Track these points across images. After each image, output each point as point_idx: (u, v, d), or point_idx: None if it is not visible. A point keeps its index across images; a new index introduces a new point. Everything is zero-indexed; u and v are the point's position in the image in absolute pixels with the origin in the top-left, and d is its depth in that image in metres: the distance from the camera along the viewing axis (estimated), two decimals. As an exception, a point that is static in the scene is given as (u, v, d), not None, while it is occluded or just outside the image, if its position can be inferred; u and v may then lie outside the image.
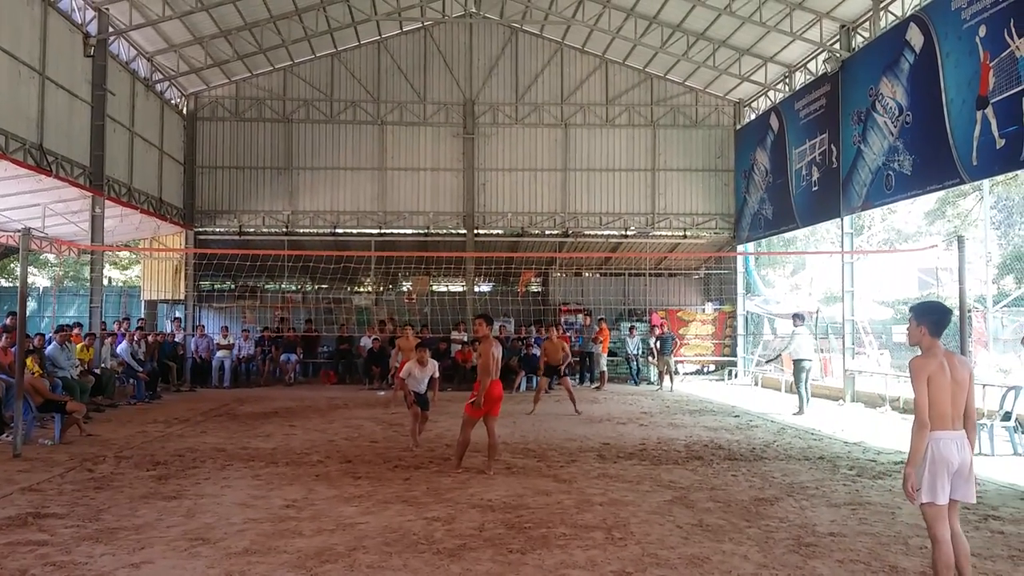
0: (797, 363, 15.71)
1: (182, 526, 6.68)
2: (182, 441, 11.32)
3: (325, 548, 6.08)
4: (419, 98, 23.86)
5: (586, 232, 24.31)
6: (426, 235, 23.97)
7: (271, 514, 7.09)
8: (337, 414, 14.67)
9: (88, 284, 19.08)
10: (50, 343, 13.76)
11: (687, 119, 24.44)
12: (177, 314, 23.10)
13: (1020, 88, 11.97)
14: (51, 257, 28.57)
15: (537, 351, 20.13)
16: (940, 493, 4.71)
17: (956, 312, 11.88)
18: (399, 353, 16.26)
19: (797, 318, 16.41)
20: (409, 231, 23.99)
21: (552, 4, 21.45)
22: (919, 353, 4.92)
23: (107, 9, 17.14)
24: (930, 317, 4.87)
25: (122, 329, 18.67)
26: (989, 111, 12.70)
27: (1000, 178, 19.91)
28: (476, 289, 24.54)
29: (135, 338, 17.51)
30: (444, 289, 26.26)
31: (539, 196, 24.15)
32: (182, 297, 23.35)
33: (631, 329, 22.12)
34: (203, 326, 22.10)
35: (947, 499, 4.73)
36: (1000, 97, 12.43)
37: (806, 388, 15.51)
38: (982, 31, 12.84)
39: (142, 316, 22.99)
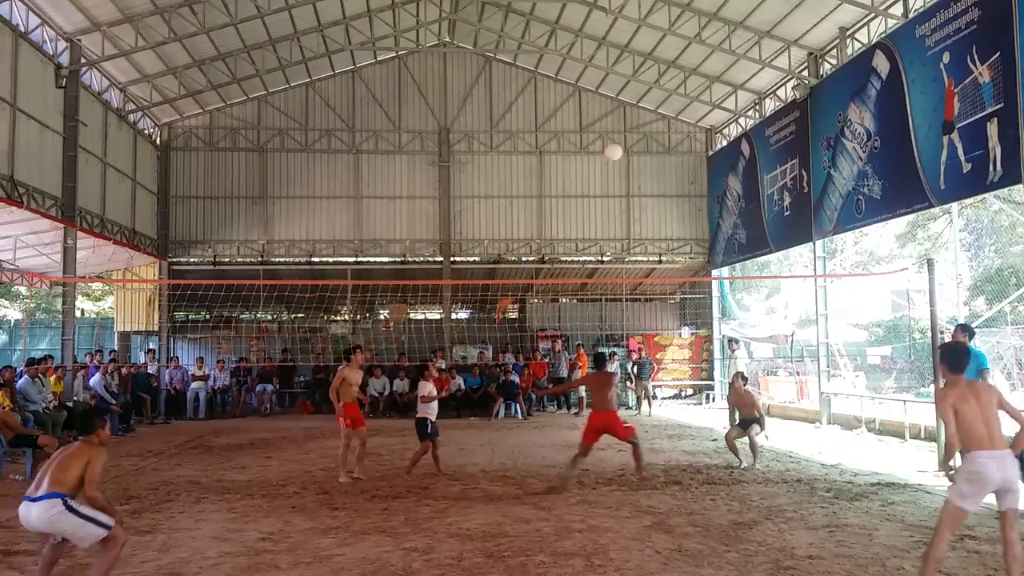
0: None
1: (156, 561, 6.58)
2: (156, 474, 11.17)
3: (302, 581, 6.01)
4: (394, 127, 23.94)
5: (562, 258, 24.40)
6: (403, 263, 23.95)
7: (247, 547, 7.01)
8: (314, 444, 14.54)
9: (60, 316, 18.86)
10: (21, 376, 13.56)
11: (660, 146, 24.69)
12: (151, 345, 22.87)
13: (984, 113, 12.23)
14: (23, 289, 28.23)
15: (515, 378, 20.18)
16: (967, 502, 5.35)
17: (928, 334, 12.02)
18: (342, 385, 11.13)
19: (732, 342, 17.26)
20: (385, 259, 23.95)
21: (525, 33, 21.67)
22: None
23: (79, 40, 17.10)
24: (946, 358, 5.85)
25: (95, 361, 18.44)
26: (955, 136, 12.95)
27: (969, 201, 20.23)
28: (454, 316, 24.51)
29: (108, 370, 17.30)
30: (421, 316, 26.21)
31: (515, 223, 24.24)
32: (156, 328, 23.12)
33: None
34: (177, 357, 21.88)
35: (973, 509, 5.42)
36: (965, 122, 12.68)
37: None
38: (946, 58, 13.12)
39: (115, 348, 22.73)
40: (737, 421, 12.07)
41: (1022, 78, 11.39)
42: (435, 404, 11.03)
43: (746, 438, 11.68)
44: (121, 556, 6.62)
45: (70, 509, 5.47)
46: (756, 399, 12.36)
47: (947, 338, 19.80)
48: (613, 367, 21.72)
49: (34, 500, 5.51)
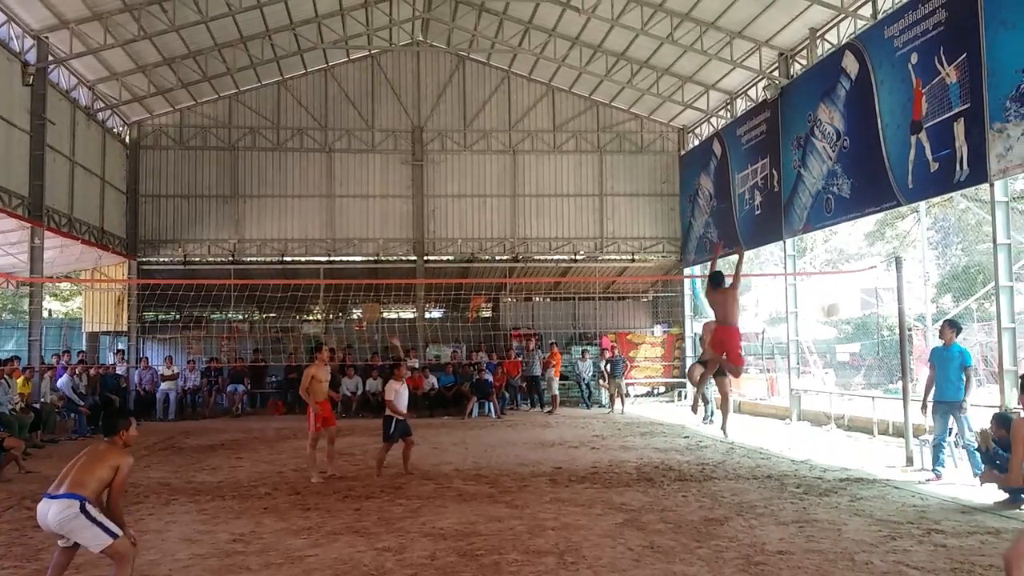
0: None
1: (125, 564, 6.50)
2: (125, 476, 11.03)
3: (273, 582, 5.97)
4: (367, 125, 23.84)
5: (536, 257, 24.43)
6: (376, 262, 23.86)
7: (217, 549, 6.96)
8: (286, 445, 14.45)
9: (27, 317, 18.59)
10: (-14, 378, 13.36)
11: (633, 145, 24.79)
12: (120, 346, 22.58)
13: (951, 114, 12.40)
14: (-12, 290, 27.80)
15: (489, 377, 20.18)
16: None
17: (896, 331, 12.16)
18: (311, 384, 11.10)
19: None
20: (359, 258, 23.83)
21: (498, 33, 21.66)
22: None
23: (46, 38, 16.86)
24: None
25: (63, 362, 18.20)
26: (923, 135, 13.12)
27: (936, 200, 20.50)
28: (427, 315, 24.46)
29: (76, 371, 17.08)
30: (395, 316, 26.12)
31: (489, 222, 24.23)
32: (125, 328, 22.85)
33: (583, 353, 22.25)
34: (147, 358, 21.63)
35: None
36: (933, 122, 12.85)
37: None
38: (914, 59, 13.29)
39: (83, 349, 22.44)
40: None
41: (988, 79, 11.56)
42: (403, 401, 10.97)
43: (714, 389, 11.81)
44: (89, 559, 6.55)
45: (84, 513, 5.35)
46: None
47: (915, 335, 20.15)
48: (585, 365, 21.92)
49: (54, 498, 5.40)
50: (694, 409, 12.85)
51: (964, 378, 10.02)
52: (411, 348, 22.19)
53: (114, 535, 5.38)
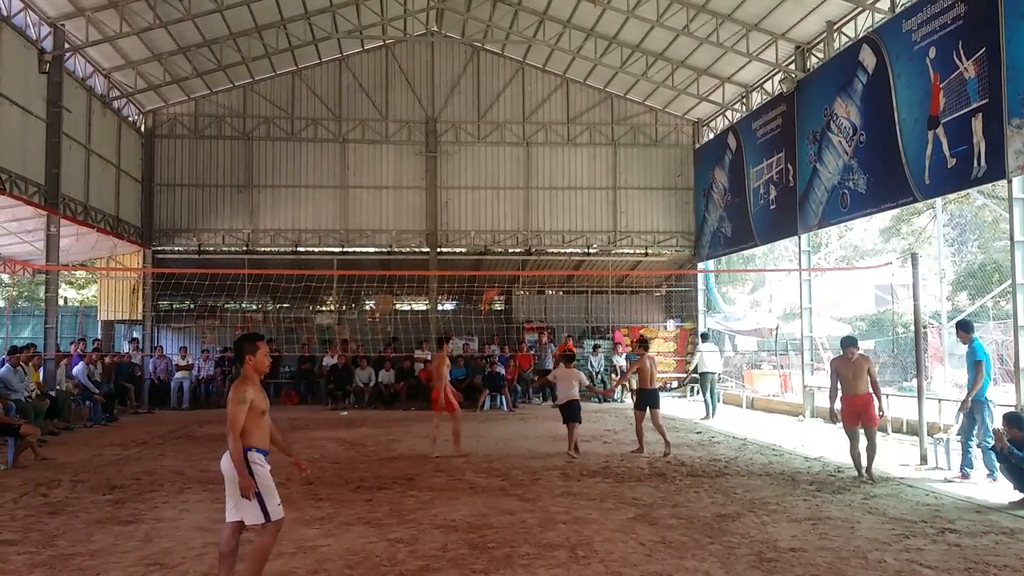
0: (702, 375, 17.93)
1: (139, 551, 6.55)
2: (139, 464, 11.13)
3: (285, 572, 6.01)
4: (381, 116, 23.84)
5: (549, 250, 24.40)
6: (389, 253, 23.88)
7: (231, 538, 6.97)
8: (298, 435, 14.51)
9: (43, 305, 18.70)
10: (2, 365, 13.45)
11: (647, 138, 24.70)
12: (135, 335, 22.72)
13: (969, 109, 12.29)
14: (4, 277, 27.98)
15: (501, 369, 20.19)
16: None
17: (911, 328, 12.08)
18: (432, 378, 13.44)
19: (703, 337, 19.12)
20: (372, 249, 23.86)
21: (513, 23, 21.60)
22: None
23: (63, 25, 16.92)
24: None
25: (78, 350, 18.32)
26: (940, 131, 13.01)
27: (953, 196, 20.33)
28: (440, 307, 24.49)
29: (92, 359, 17.19)
30: (407, 308, 26.16)
31: (502, 214, 24.21)
32: (140, 317, 22.95)
33: (595, 348, 22.21)
34: (161, 347, 21.76)
35: None
36: (950, 117, 12.74)
37: (711, 396, 17.64)
38: (932, 53, 13.17)
39: (98, 337, 22.57)
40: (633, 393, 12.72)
41: (1007, 74, 11.45)
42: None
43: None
44: (103, 546, 6.60)
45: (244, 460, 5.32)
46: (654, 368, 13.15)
47: (930, 333, 20.04)
48: (597, 359, 21.87)
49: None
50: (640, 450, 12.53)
51: (975, 372, 9.99)
52: (424, 340, 22.24)
53: (266, 514, 5.31)
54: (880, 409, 10.31)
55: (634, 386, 20.08)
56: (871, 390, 10.09)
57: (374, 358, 21.06)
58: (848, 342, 10.39)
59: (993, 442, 9.12)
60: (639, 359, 12.97)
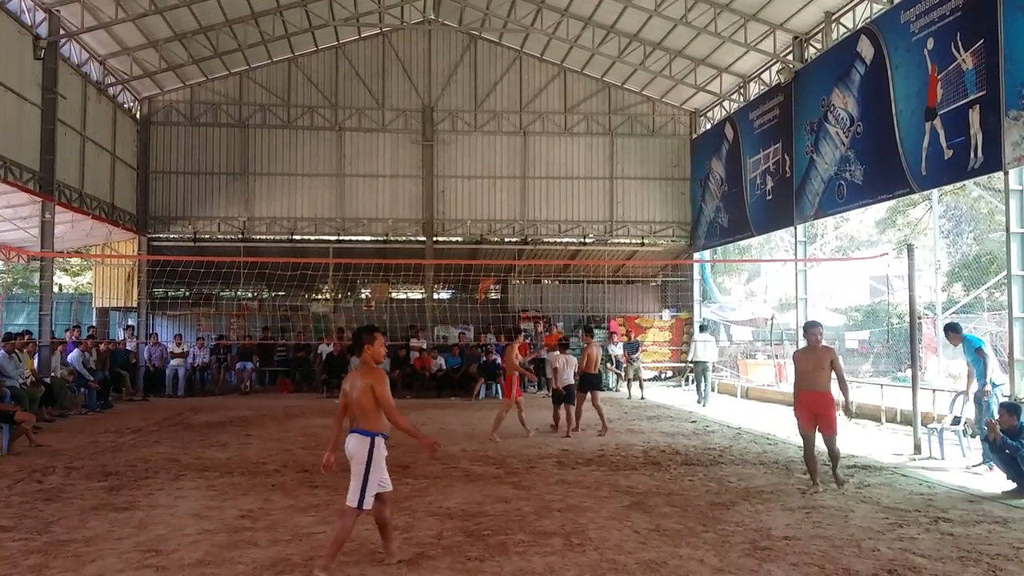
0: (697, 364, 18.51)
1: (134, 538, 6.56)
2: (135, 451, 11.12)
3: (281, 559, 6.01)
4: (377, 104, 23.77)
5: (545, 239, 24.39)
6: (385, 242, 23.86)
7: (226, 525, 7.00)
8: (294, 423, 14.52)
9: (38, 292, 18.66)
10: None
11: (644, 128, 24.66)
12: (130, 322, 22.70)
13: (967, 100, 12.29)
14: (-1, 264, 27.93)
15: (497, 358, 20.17)
16: None
17: (906, 319, 12.12)
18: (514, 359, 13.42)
19: (700, 327, 19.67)
20: (368, 238, 23.83)
21: (511, 12, 21.52)
22: None
23: (58, 11, 16.82)
24: None
25: (73, 337, 18.29)
26: (937, 122, 13.02)
27: (949, 188, 20.39)
28: (435, 296, 24.47)
29: (87, 346, 17.16)
30: (403, 296, 26.15)
31: (498, 203, 24.18)
32: (135, 304, 22.93)
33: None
34: (156, 334, 21.73)
35: None
36: (947, 109, 12.75)
37: (705, 384, 18.14)
38: (930, 44, 13.16)
39: (93, 324, 22.54)
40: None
41: (1005, 65, 11.45)
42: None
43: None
44: (98, 532, 6.60)
45: (371, 449, 5.69)
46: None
47: (924, 324, 20.08)
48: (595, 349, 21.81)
49: (352, 432, 5.80)
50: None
51: (981, 362, 10.04)
52: (419, 328, 22.24)
53: (361, 500, 5.65)
54: (847, 406, 9.04)
55: (631, 376, 20.23)
56: (839, 386, 8.88)
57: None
58: (814, 324, 9.08)
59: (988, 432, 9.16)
60: (587, 346, 13.75)
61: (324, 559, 5.62)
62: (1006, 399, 10.28)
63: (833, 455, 8.84)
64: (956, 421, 10.96)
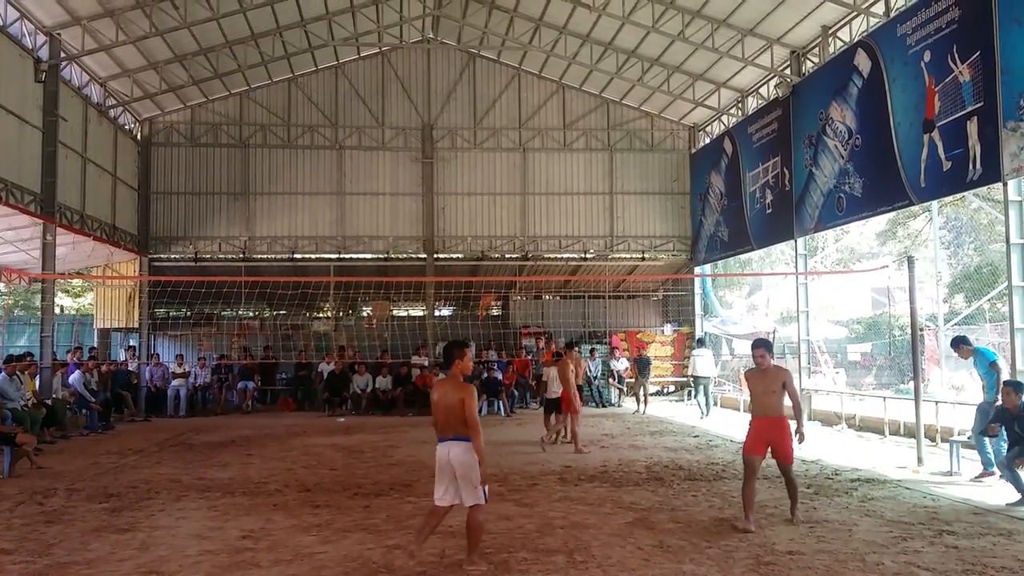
0: (695, 379, 19.00)
1: (135, 559, 6.54)
2: (136, 472, 11.10)
3: (283, 579, 5.99)
4: (377, 123, 23.85)
5: (545, 255, 24.41)
6: (386, 260, 23.89)
7: (227, 545, 6.97)
8: (296, 442, 14.48)
9: (39, 313, 18.66)
10: (-1, 374, 13.41)
11: (643, 143, 24.73)
12: (131, 342, 22.68)
13: (964, 112, 12.31)
14: (0, 286, 27.95)
15: (498, 375, 20.17)
16: None
17: (908, 331, 12.09)
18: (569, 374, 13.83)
19: (698, 342, 20.06)
20: (368, 256, 23.85)
21: (509, 30, 21.64)
22: None
23: (59, 34, 16.91)
24: None
25: (75, 358, 18.28)
26: (935, 134, 13.03)
27: (949, 199, 20.38)
28: (436, 313, 24.47)
29: (88, 367, 17.15)
30: (404, 314, 26.14)
31: (498, 220, 24.22)
32: (136, 325, 22.92)
33: (592, 352, 22.16)
34: (158, 354, 21.72)
35: None
36: (945, 121, 12.76)
37: (705, 397, 18.60)
38: (927, 56, 13.20)
39: (95, 345, 22.53)
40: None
41: (1002, 77, 11.48)
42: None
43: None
44: (100, 554, 6.58)
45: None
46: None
47: (926, 336, 20.05)
48: (594, 364, 21.80)
49: (444, 440, 6.15)
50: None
51: (995, 376, 10.04)
52: (421, 346, 22.23)
53: (485, 497, 6.14)
54: (799, 432, 8.07)
55: (638, 391, 20.19)
56: (793, 411, 8.10)
57: (371, 364, 21.02)
58: (758, 344, 8.22)
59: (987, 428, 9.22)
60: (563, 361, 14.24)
61: (470, 554, 6.15)
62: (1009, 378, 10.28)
63: (792, 488, 7.93)
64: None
